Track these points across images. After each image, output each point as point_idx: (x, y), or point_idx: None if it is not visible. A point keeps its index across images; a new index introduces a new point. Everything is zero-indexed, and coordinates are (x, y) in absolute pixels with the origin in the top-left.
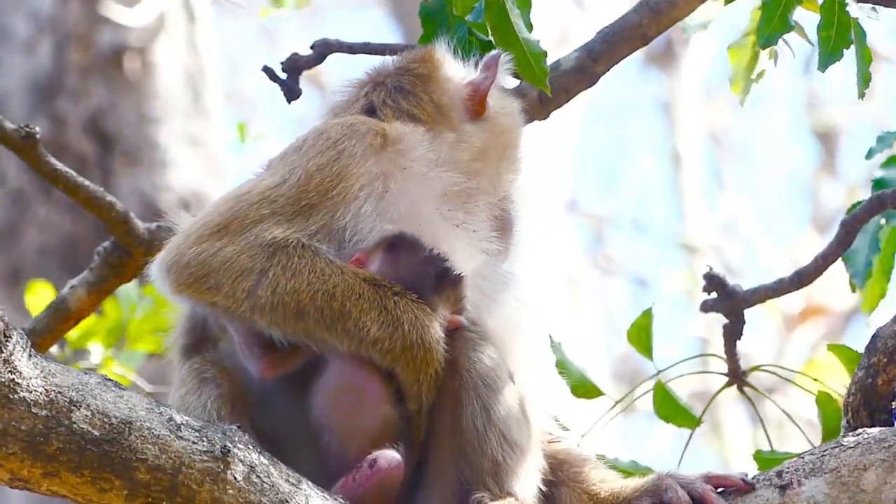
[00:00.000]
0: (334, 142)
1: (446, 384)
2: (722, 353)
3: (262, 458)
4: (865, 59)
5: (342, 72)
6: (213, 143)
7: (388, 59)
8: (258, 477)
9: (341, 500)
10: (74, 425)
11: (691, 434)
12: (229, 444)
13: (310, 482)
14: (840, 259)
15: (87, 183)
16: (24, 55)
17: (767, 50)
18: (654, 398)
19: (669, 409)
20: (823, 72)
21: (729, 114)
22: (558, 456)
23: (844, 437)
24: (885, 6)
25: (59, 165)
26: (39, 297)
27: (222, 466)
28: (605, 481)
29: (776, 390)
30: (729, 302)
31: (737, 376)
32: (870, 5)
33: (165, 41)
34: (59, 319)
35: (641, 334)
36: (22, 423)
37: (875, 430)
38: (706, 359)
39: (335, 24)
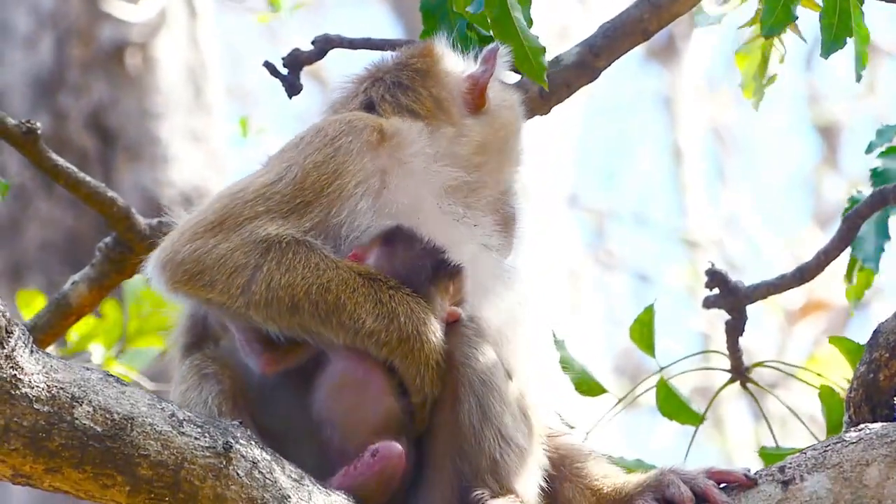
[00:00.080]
0: (331, 139)
1: (446, 379)
2: (724, 348)
3: (264, 454)
4: (862, 39)
5: (343, 67)
6: (215, 138)
7: (388, 55)
8: (260, 473)
9: (343, 496)
10: (76, 421)
11: (695, 431)
12: (231, 440)
13: (312, 478)
14: (842, 254)
15: (88, 178)
16: (26, 50)
17: (778, 55)
18: (657, 395)
19: (672, 406)
20: (826, 58)
21: (730, 108)
22: (560, 451)
23: (846, 432)
24: (887, 1)
25: (61, 161)
26: (32, 306)
27: (224, 462)
28: (608, 476)
29: (778, 386)
30: (731, 298)
31: (739, 372)
32: None
33: (167, 36)
34: (60, 315)
35: (643, 331)
36: (24, 418)
37: (877, 426)
38: (708, 355)
39: (336, 20)
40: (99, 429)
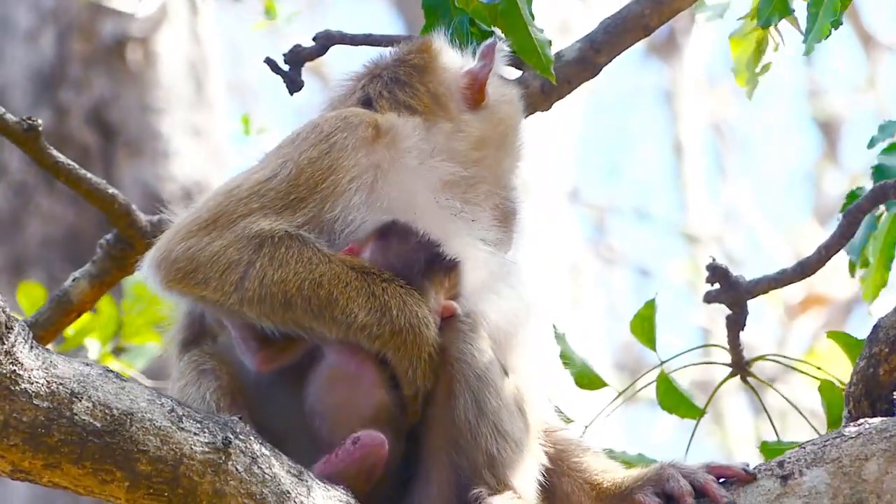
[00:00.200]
0: (326, 135)
1: (440, 373)
2: (724, 343)
3: (263, 449)
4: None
5: (344, 64)
6: (216, 133)
7: (387, 51)
8: (259, 468)
9: (342, 492)
10: (76, 417)
11: (696, 425)
12: (231, 436)
13: (311, 473)
14: (842, 249)
15: (89, 175)
16: (27, 45)
17: (772, 42)
18: (657, 389)
19: (673, 399)
20: (809, 53)
21: (731, 103)
22: (559, 446)
23: (846, 427)
24: None
25: (62, 158)
26: (32, 299)
27: (224, 458)
28: (607, 471)
29: (778, 380)
30: (732, 293)
31: (740, 367)
32: None
33: (168, 31)
34: (61, 312)
35: (644, 325)
36: (23, 414)
37: (876, 420)
38: (709, 349)
39: (337, 16)
40: (98, 424)
